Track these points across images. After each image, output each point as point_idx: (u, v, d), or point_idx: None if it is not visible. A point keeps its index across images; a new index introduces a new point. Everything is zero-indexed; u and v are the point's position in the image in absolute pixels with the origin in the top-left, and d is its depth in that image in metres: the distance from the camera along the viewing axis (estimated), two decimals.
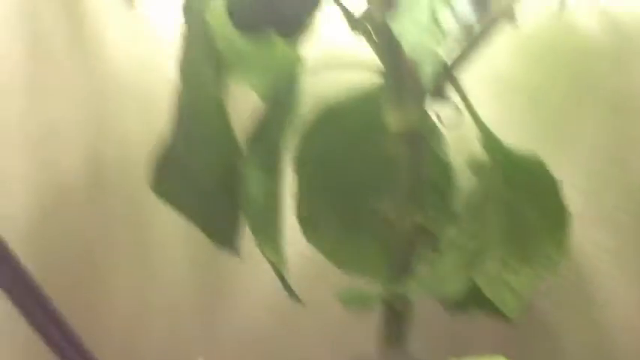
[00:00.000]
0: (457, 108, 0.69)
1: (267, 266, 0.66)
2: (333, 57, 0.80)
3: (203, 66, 0.63)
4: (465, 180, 0.77)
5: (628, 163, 0.78)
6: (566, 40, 0.80)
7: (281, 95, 0.68)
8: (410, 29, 0.55)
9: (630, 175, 0.78)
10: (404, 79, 0.61)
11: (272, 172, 0.67)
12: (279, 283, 0.77)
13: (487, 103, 0.80)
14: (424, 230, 0.65)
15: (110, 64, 0.70)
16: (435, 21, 0.53)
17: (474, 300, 0.70)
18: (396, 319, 0.67)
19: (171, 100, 0.69)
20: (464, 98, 0.70)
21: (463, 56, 0.59)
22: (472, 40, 0.56)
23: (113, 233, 0.69)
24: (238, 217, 0.66)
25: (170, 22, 0.81)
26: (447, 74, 0.57)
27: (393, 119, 0.63)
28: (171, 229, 0.76)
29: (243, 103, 0.76)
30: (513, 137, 0.80)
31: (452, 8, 0.53)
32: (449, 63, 0.53)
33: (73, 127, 0.64)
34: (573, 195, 0.78)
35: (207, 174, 0.65)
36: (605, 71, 0.79)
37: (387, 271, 0.66)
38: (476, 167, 0.79)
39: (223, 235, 0.67)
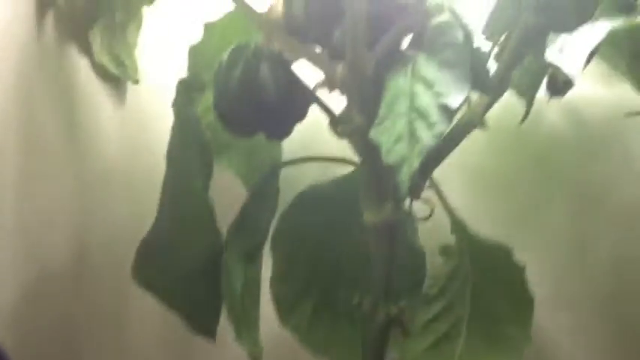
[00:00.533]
0: (429, 201, 0.73)
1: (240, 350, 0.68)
2: (312, 148, 0.84)
3: (189, 156, 0.66)
4: (434, 265, 0.80)
5: (591, 250, 0.82)
6: (533, 132, 0.84)
7: (262, 185, 0.71)
8: (387, 136, 0.58)
9: (593, 261, 0.82)
10: (380, 178, 0.64)
11: (252, 261, 0.69)
12: None
13: (457, 190, 0.84)
14: (398, 320, 0.67)
15: (100, 154, 0.73)
16: (412, 131, 0.57)
17: None
18: None
19: (158, 190, 0.71)
20: (437, 191, 0.74)
21: (437, 158, 0.62)
22: (445, 143, 0.59)
23: (95, 320, 0.70)
24: (219, 306, 0.68)
25: (159, 113, 0.84)
26: (421, 175, 0.60)
27: (369, 214, 0.65)
28: (150, 316, 0.77)
29: (227, 192, 0.79)
30: (482, 223, 0.83)
31: (427, 119, 0.57)
32: (423, 164, 0.56)
33: (62, 215, 0.66)
34: (538, 280, 0.82)
35: (189, 262, 0.67)
36: (570, 162, 0.84)
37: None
38: (445, 253, 0.82)
39: (202, 323, 0.69)
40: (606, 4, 0.58)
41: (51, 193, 0.64)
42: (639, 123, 0.81)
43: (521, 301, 0.76)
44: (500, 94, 0.65)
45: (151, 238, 0.69)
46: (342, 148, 0.86)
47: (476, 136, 0.82)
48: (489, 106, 0.69)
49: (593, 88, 0.82)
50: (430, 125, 0.57)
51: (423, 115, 0.57)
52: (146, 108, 0.79)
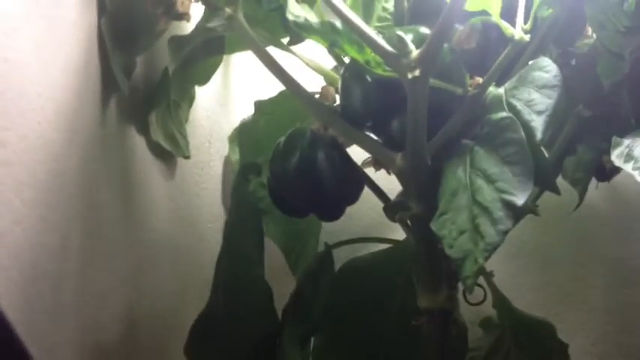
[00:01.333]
0: (480, 286, 0.74)
1: None
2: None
3: (248, 241, 0.67)
4: (477, 339, 0.81)
5: (632, 327, 0.83)
6: (573, 208, 0.86)
7: (316, 267, 0.72)
8: (449, 230, 0.59)
9: (634, 339, 0.82)
10: (436, 266, 0.65)
11: (306, 343, 0.70)
12: None
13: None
14: None
15: (151, 229, 0.74)
16: (475, 226, 0.58)
17: None
18: None
19: (205, 265, 0.72)
20: (485, 274, 0.75)
21: (493, 251, 0.64)
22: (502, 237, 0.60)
23: None
24: None
25: (203, 187, 0.86)
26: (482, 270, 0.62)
27: (424, 300, 0.67)
28: None
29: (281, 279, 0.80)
30: (522, 296, 0.85)
31: (490, 214, 0.58)
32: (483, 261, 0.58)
33: (115, 293, 0.67)
34: (581, 356, 0.83)
35: (244, 343, 0.68)
36: (608, 239, 0.85)
37: None
38: (486, 326, 0.83)
39: None
40: None
41: (107, 272, 0.66)
42: None
43: None
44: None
45: (205, 317, 0.70)
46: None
47: None
48: (542, 192, 0.70)
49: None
50: (494, 221, 0.58)
51: (486, 210, 0.58)
52: (191, 182, 0.81)
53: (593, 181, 0.75)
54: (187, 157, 0.79)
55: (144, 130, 0.73)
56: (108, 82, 0.66)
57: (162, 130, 0.75)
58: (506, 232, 0.57)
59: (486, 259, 0.58)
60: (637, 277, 0.84)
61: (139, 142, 0.73)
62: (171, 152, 0.77)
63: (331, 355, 0.79)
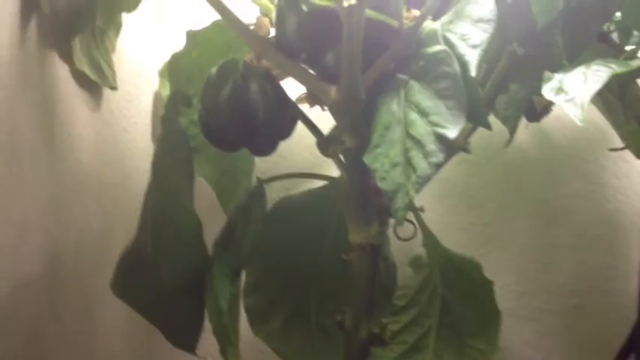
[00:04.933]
0: (410, 221, 0.74)
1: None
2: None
3: (176, 170, 0.65)
4: (403, 276, 0.82)
5: (555, 267, 0.86)
6: (503, 150, 0.87)
7: (248, 201, 0.71)
8: (382, 163, 0.59)
9: (557, 278, 0.85)
10: (368, 201, 0.65)
11: (236, 277, 0.70)
12: None
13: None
14: (378, 337, 0.68)
15: (75, 162, 0.71)
16: (408, 159, 0.58)
17: None
18: None
19: (133, 202, 0.70)
20: (414, 211, 0.75)
21: (424, 184, 0.64)
22: (434, 169, 0.60)
23: (65, 331, 0.69)
24: (201, 321, 0.67)
25: (132, 121, 0.83)
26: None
27: (355, 235, 0.66)
28: (119, 326, 0.77)
29: (208, 205, 0.78)
30: (451, 237, 0.86)
31: (423, 148, 0.58)
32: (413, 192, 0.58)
33: (36, 226, 0.65)
34: (505, 295, 0.85)
35: (173, 277, 0.67)
36: (536, 180, 0.87)
37: None
38: (415, 265, 0.84)
39: (183, 337, 0.68)
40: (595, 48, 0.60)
41: (27, 202, 0.63)
42: (601, 146, 0.84)
43: (488, 314, 0.79)
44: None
45: (132, 251, 0.68)
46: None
47: None
48: (473, 130, 0.71)
49: (560, 110, 0.84)
50: (426, 154, 0.58)
51: (418, 143, 0.58)
52: (119, 115, 0.78)
53: (524, 122, 0.76)
54: (114, 88, 0.76)
55: (67, 57, 0.69)
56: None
57: (87, 59, 0.72)
58: (437, 165, 0.57)
59: (418, 191, 0.58)
60: (561, 218, 0.86)
61: (61, 69, 0.70)
62: (96, 82, 0.74)
63: (262, 291, 0.79)
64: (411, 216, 0.76)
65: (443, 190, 0.87)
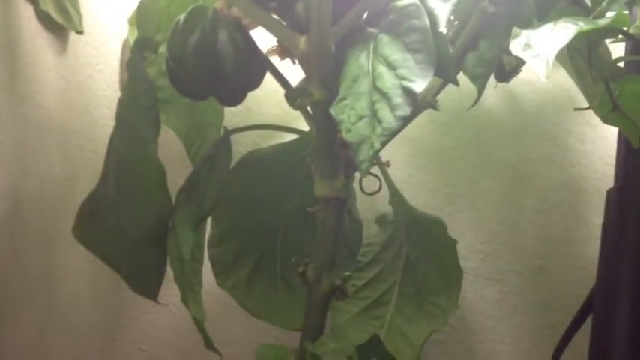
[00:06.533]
0: (376, 176, 0.74)
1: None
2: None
3: (142, 121, 0.65)
4: (369, 233, 0.83)
5: (519, 229, 0.86)
6: (472, 113, 0.87)
7: (214, 152, 0.71)
8: (348, 115, 0.59)
9: (521, 240, 0.86)
10: (334, 153, 0.65)
11: (200, 226, 0.69)
12: (182, 324, 0.79)
13: (397, 163, 0.86)
14: (340, 289, 0.69)
15: (38, 105, 0.70)
16: (374, 112, 0.58)
17: (374, 351, 0.75)
18: None
19: (97, 149, 0.69)
20: (379, 163, 0.75)
21: (390, 137, 0.64)
22: (400, 123, 0.60)
23: (26, 275, 0.69)
24: (163, 268, 0.67)
25: (101, 71, 0.82)
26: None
27: (321, 187, 0.66)
28: (80, 271, 0.76)
29: (176, 158, 0.78)
30: (419, 196, 0.86)
31: (389, 100, 0.58)
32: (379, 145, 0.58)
33: None
34: (469, 254, 0.86)
35: (136, 224, 0.67)
36: (504, 143, 0.87)
37: (302, 326, 0.70)
38: (381, 222, 0.85)
39: (145, 284, 0.68)
40: (564, 6, 0.60)
41: None
42: (568, 111, 0.85)
43: (450, 272, 0.80)
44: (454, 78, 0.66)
45: (96, 198, 0.67)
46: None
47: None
48: (442, 87, 0.71)
49: (530, 73, 0.84)
50: (393, 107, 0.58)
51: (385, 96, 0.58)
52: (85, 62, 0.77)
53: (493, 83, 0.77)
54: (80, 33, 0.75)
55: None
56: None
57: (53, 1, 0.70)
58: (404, 118, 0.57)
59: (383, 144, 0.58)
60: (526, 181, 0.86)
61: (26, 9, 0.68)
62: (62, 26, 0.72)
63: (228, 243, 0.79)
64: (377, 172, 0.76)
65: (413, 149, 0.87)
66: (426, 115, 0.84)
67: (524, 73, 0.76)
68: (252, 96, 0.72)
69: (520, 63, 0.73)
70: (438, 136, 0.87)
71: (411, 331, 0.79)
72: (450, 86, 0.70)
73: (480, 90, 0.67)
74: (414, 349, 0.78)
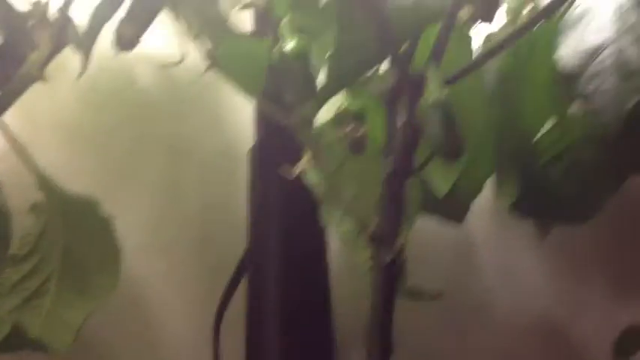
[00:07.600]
0: None
1: None
2: None
3: None
4: (26, 225, 0.81)
5: (182, 199, 0.89)
6: (126, 93, 0.88)
7: None
8: None
9: (184, 209, 0.89)
10: None
11: None
12: None
13: (52, 148, 0.85)
14: None
15: None
16: None
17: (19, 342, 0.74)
18: None
19: None
20: (17, 149, 0.74)
21: None
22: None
23: None
24: None
25: None
26: None
27: None
28: None
29: None
30: (80, 182, 0.86)
31: None
32: None
33: None
34: (133, 230, 0.87)
35: None
36: (161, 119, 0.89)
37: None
38: (35, 211, 0.83)
39: None
40: None
41: None
42: (220, 82, 0.88)
43: (108, 251, 0.80)
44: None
45: None
46: None
47: (70, 96, 0.85)
48: (49, 59, 0.70)
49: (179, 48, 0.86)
50: None
51: None
52: None
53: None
54: None
55: None
56: None
57: None
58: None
59: None
60: (186, 154, 0.89)
61: None
62: None
63: None
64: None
65: (68, 135, 0.87)
66: (80, 98, 0.84)
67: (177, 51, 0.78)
68: None
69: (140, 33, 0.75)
70: (94, 119, 0.87)
71: (71, 315, 0.79)
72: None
73: (85, 59, 0.68)
74: (72, 332, 0.77)
